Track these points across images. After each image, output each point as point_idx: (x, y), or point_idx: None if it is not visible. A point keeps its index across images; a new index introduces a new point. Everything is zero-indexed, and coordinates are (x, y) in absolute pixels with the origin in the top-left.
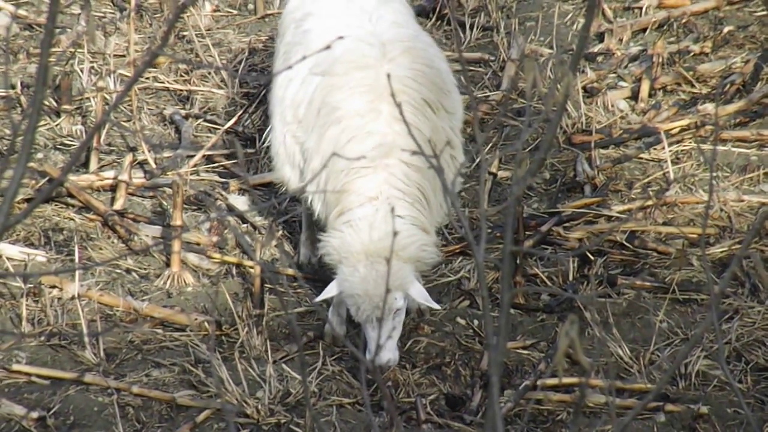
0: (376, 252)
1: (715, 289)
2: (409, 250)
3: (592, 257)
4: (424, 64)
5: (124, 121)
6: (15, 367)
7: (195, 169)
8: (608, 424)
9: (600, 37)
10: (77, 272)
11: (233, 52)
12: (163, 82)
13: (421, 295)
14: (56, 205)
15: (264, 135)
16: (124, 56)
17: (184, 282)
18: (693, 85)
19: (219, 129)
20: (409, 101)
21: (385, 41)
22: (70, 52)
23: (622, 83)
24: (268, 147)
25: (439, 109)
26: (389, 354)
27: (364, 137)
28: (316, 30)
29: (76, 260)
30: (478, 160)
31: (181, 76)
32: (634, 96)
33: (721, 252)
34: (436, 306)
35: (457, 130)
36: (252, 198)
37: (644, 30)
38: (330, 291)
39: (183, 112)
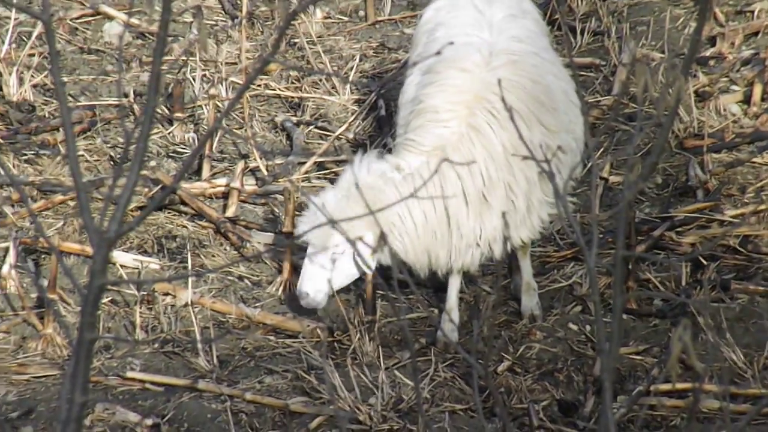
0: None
1: None
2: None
3: (705, 262)
4: (528, 78)
5: (235, 129)
6: (129, 374)
7: (306, 175)
8: (722, 430)
9: (712, 41)
10: (190, 279)
11: (344, 59)
12: (274, 89)
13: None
14: (169, 212)
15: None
16: (235, 64)
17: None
18: None
19: (330, 136)
20: (487, 108)
21: (495, 51)
22: (183, 60)
23: (734, 87)
24: None
25: (531, 123)
26: (306, 288)
27: (431, 128)
28: (442, 39)
29: (189, 267)
30: (589, 165)
31: (293, 83)
32: (747, 100)
33: None
34: (365, 269)
35: (557, 150)
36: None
37: (756, 33)
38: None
39: (294, 119)
